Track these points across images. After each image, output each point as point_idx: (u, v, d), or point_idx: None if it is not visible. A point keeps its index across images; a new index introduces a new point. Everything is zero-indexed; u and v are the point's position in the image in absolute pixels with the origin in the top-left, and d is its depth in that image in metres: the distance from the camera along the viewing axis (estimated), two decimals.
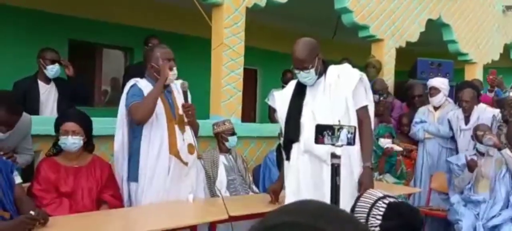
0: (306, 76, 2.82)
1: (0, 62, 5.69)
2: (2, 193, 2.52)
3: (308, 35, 2.95)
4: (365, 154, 2.83)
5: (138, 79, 3.13)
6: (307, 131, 2.77)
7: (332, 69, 2.92)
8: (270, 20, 6.99)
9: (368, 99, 2.94)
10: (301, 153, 2.85)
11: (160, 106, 3.03)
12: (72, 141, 2.88)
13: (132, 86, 3.08)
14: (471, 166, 4.27)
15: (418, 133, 5.10)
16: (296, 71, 2.84)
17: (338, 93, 2.81)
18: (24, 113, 2.98)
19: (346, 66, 3.02)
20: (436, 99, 5.09)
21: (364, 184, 2.72)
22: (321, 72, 2.88)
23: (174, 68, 3.09)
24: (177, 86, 3.20)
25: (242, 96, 4.75)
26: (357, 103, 2.84)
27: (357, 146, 2.77)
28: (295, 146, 2.88)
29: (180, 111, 3.11)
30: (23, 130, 3.03)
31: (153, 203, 3.00)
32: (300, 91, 2.91)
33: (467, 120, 4.80)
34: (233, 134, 4.01)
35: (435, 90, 5.07)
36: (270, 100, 6.31)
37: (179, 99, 3.14)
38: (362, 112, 2.87)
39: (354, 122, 2.77)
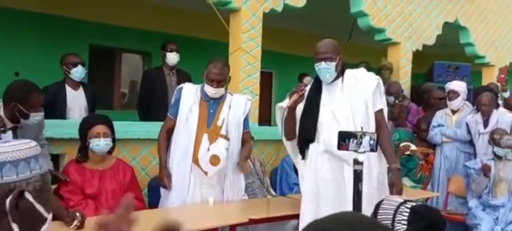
0: (327, 67, 2.82)
1: (23, 66, 5.83)
2: None
3: (323, 38, 2.98)
4: (389, 156, 2.86)
5: (188, 84, 3.29)
6: (327, 131, 2.78)
7: (349, 72, 2.96)
8: (286, 24, 7.03)
9: (383, 103, 2.98)
10: (320, 153, 2.84)
11: (194, 114, 3.13)
12: (105, 142, 3.00)
13: (179, 89, 3.25)
14: (485, 170, 4.26)
15: (435, 136, 5.08)
16: (317, 64, 2.84)
17: (357, 95, 2.83)
18: None
19: (362, 70, 3.05)
20: (455, 103, 5.05)
21: (396, 185, 2.76)
22: (339, 74, 2.91)
23: (216, 88, 3.12)
24: (236, 99, 3.28)
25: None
26: (375, 106, 2.88)
27: None
28: (312, 146, 2.88)
29: (219, 123, 3.15)
30: (41, 122, 3.13)
31: (171, 204, 3.11)
32: (316, 91, 2.90)
33: (486, 124, 4.77)
34: None
35: (454, 94, 5.04)
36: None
37: (225, 111, 3.19)
38: (379, 115, 2.91)
39: (372, 124, 2.81)
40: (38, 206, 1.17)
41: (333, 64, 2.83)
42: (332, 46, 2.86)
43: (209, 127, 3.15)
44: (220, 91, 3.17)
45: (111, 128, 3.08)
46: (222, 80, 3.14)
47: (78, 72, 4.04)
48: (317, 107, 2.87)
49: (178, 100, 3.17)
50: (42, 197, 1.17)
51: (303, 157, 2.95)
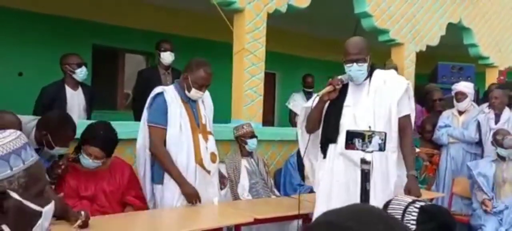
0: (359, 69, 2.73)
1: (26, 67, 5.85)
2: None
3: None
4: (409, 162, 2.78)
5: (165, 88, 3.15)
6: (345, 133, 2.75)
7: (378, 73, 2.87)
8: (289, 25, 7.03)
9: (410, 108, 2.91)
10: (337, 154, 2.80)
11: (184, 117, 3.07)
12: (92, 164, 2.90)
13: (157, 95, 3.08)
14: (485, 206, 4.24)
15: (442, 137, 5.08)
16: (349, 65, 2.74)
17: (383, 100, 2.77)
18: None
19: (393, 72, 2.98)
20: (463, 104, 5.05)
21: (412, 191, 2.66)
22: (367, 75, 2.83)
23: (201, 92, 3.11)
24: (204, 95, 3.26)
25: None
26: (401, 112, 2.81)
27: (395, 154, 2.75)
28: (331, 147, 2.83)
29: (203, 121, 3.16)
30: None
31: (180, 206, 3.06)
32: (342, 92, 2.81)
33: (497, 120, 4.78)
34: (253, 137, 4.03)
35: (462, 95, 5.04)
36: (291, 104, 6.36)
37: (202, 109, 3.21)
38: (405, 120, 2.84)
39: (395, 130, 2.75)
40: (27, 203, 1.10)
41: (365, 65, 2.75)
42: (364, 46, 2.77)
43: (199, 127, 3.14)
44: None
45: (108, 151, 2.94)
46: (210, 84, 3.13)
47: (82, 73, 4.04)
48: (340, 109, 2.81)
49: (161, 106, 3.04)
50: (29, 192, 1.10)
51: (324, 156, 2.89)
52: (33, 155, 1.15)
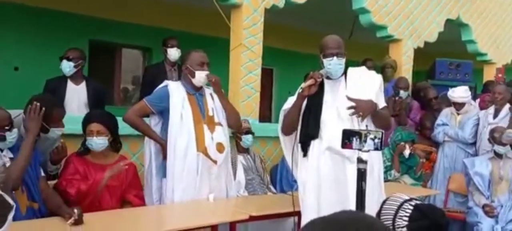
0: (339, 63, 2.79)
1: (22, 61, 5.83)
2: (31, 183, 2.61)
3: (325, 34, 2.95)
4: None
5: (170, 82, 3.31)
6: (331, 128, 2.74)
7: (352, 69, 2.94)
8: (286, 20, 7.00)
9: (384, 101, 2.99)
10: (322, 150, 2.80)
11: (187, 108, 3.15)
12: (97, 141, 2.95)
13: (162, 87, 3.25)
14: (487, 212, 4.23)
15: (438, 135, 5.11)
16: (329, 59, 2.77)
17: (361, 94, 2.80)
18: None
19: (363, 69, 3.03)
20: (463, 111, 5.06)
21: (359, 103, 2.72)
22: (342, 72, 2.89)
23: (205, 71, 3.20)
24: (211, 90, 3.34)
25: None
26: (379, 105, 2.86)
27: None
28: (314, 143, 2.83)
29: (210, 113, 3.23)
30: (59, 137, 3.08)
31: (178, 201, 3.07)
32: (318, 89, 2.83)
33: (496, 115, 4.81)
34: (248, 133, 4.03)
35: (460, 106, 5.03)
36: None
37: (210, 102, 3.27)
38: (385, 111, 2.94)
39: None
40: (5, 196, 1.31)
41: (344, 60, 2.83)
42: (342, 42, 2.87)
43: (204, 118, 3.19)
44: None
45: (109, 126, 3.01)
46: (208, 62, 3.24)
47: (62, 66, 4.02)
48: (319, 105, 2.83)
49: (163, 97, 3.17)
50: (6, 187, 1.28)
51: (305, 154, 2.90)
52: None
